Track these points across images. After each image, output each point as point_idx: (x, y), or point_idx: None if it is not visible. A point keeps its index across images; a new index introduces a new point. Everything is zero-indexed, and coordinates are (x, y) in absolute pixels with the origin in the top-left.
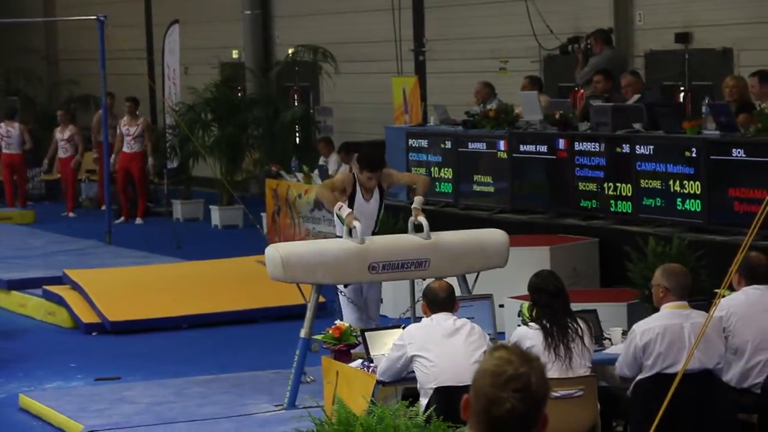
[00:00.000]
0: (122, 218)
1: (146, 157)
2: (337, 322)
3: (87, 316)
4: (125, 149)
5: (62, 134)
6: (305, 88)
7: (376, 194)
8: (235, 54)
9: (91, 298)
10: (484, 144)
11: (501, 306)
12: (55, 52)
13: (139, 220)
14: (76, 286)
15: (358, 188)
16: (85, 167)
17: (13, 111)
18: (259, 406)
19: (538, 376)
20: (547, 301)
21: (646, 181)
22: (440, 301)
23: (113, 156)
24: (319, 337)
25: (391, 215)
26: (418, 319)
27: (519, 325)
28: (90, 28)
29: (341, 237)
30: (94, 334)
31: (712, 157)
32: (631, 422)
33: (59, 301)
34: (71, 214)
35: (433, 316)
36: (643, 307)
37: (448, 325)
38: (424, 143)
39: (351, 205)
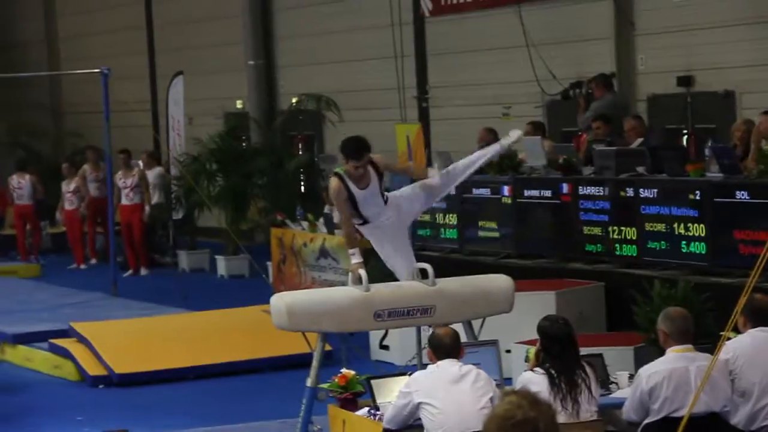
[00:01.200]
0: (130, 271)
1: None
2: (343, 370)
3: (93, 369)
4: (124, 201)
5: (68, 187)
6: (309, 136)
7: (372, 177)
8: (239, 104)
9: (97, 351)
10: (489, 190)
11: (507, 351)
12: (60, 105)
13: (144, 271)
14: (82, 339)
15: (350, 185)
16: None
17: (23, 163)
18: None
19: (547, 421)
20: (559, 352)
21: (651, 224)
22: (446, 348)
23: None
24: (325, 385)
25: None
26: (424, 366)
27: (525, 370)
28: (94, 81)
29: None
30: (100, 386)
31: (716, 199)
32: None
33: (65, 354)
34: (82, 266)
35: (439, 362)
36: (650, 350)
37: (454, 371)
38: None
39: (354, 206)
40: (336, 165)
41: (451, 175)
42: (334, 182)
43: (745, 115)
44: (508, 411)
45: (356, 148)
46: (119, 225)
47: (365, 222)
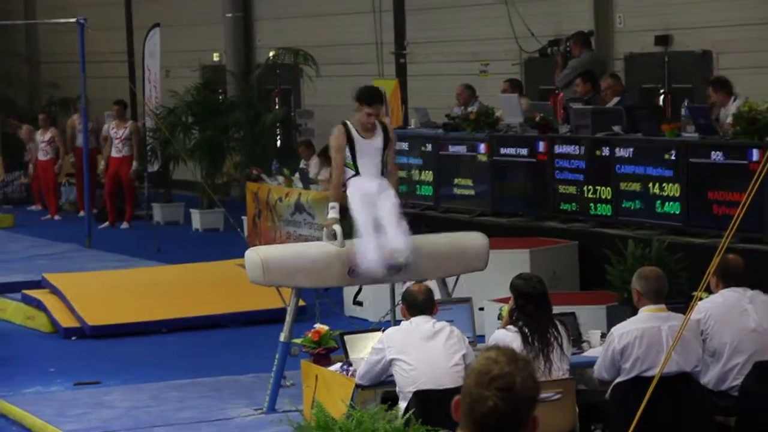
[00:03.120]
0: (107, 223)
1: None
2: (317, 325)
3: (66, 321)
4: (113, 153)
5: (43, 137)
6: (286, 90)
7: (379, 133)
8: (216, 57)
9: (70, 303)
10: (465, 147)
11: (481, 309)
12: (36, 54)
13: (125, 225)
14: (55, 290)
15: (354, 132)
16: (65, 171)
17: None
18: (239, 410)
19: (524, 376)
20: (533, 311)
21: (626, 183)
22: (419, 304)
23: (103, 160)
24: (298, 340)
25: None
26: (397, 323)
27: (498, 328)
28: (71, 31)
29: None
30: (73, 338)
31: (691, 159)
32: (609, 425)
33: (38, 305)
34: (57, 217)
35: (413, 319)
36: (622, 310)
37: (427, 328)
38: (404, 146)
39: (353, 152)
40: (311, 119)
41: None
42: (337, 128)
43: (721, 75)
44: (485, 366)
45: (371, 94)
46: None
47: (356, 174)
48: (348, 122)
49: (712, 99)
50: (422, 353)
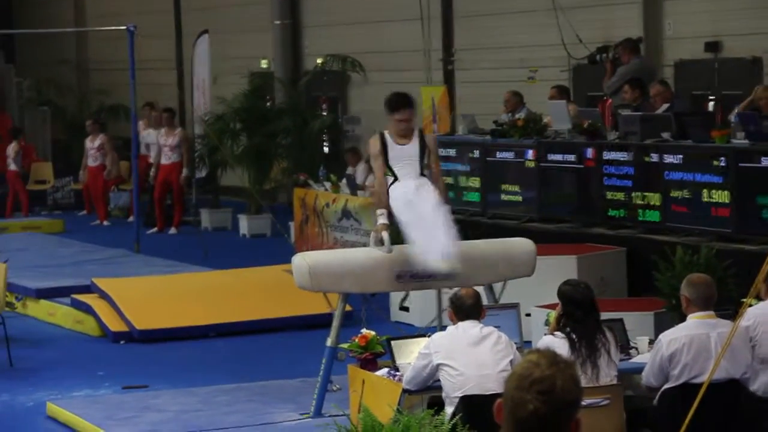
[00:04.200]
0: (155, 228)
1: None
2: (363, 331)
3: (115, 325)
4: (163, 161)
5: (92, 143)
6: (334, 97)
7: (416, 140)
8: (264, 64)
9: (119, 307)
10: (513, 153)
11: (528, 315)
12: (86, 62)
13: (173, 230)
14: (104, 295)
15: (388, 140)
16: (120, 177)
17: (17, 131)
18: (285, 415)
19: (565, 378)
20: (581, 317)
21: (675, 190)
22: (467, 309)
23: (153, 167)
24: (345, 345)
25: None
26: (443, 328)
27: (545, 334)
28: (120, 38)
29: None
30: (121, 342)
31: (740, 165)
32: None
33: (87, 309)
34: (105, 222)
35: (460, 323)
36: (671, 316)
37: (475, 333)
38: (452, 152)
39: (386, 159)
40: (358, 126)
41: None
42: (372, 138)
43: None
44: (526, 369)
45: (396, 101)
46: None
47: (396, 179)
48: (385, 132)
49: (763, 103)
50: (469, 358)
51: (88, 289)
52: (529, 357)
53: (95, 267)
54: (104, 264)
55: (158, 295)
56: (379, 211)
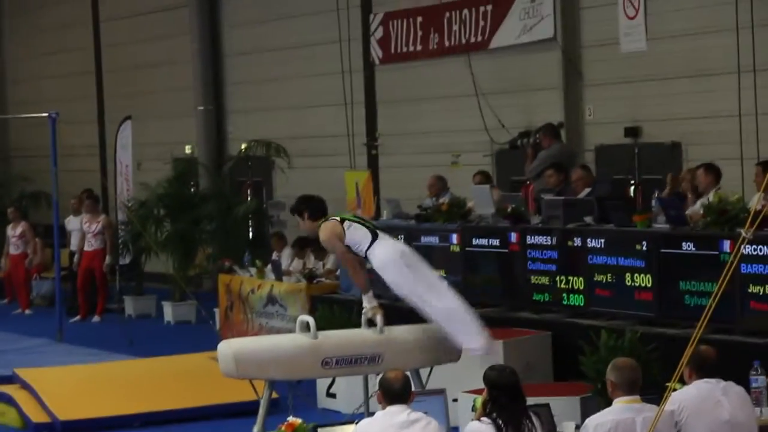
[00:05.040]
0: (78, 317)
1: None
2: (290, 418)
3: (37, 416)
4: (86, 248)
5: (14, 231)
6: (258, 182)
7: None
8: (188, 149)
9: (41, 398)
10: (437, 238)
11: (455, 400)
12: (7, 148)
13: (96, 318)
14: (25, 386)
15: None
16: (42, 264)
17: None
18: None
19: None
20: (507, 402)
21: (598, 274)
22: (395, 392)
23: (76, 254)
24: None
25: (344, 310)
26: (371, 414)
27: (472, 420)
28: (42, 125)
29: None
30: None
31: (662, 250)
32: None
33: (9, 400)
34: (27, 311)
35: (388, 408)
36: (597, 400)
37: (402, 418)
38: None
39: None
40: (283, 211)
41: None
42: (328, 224)
43: (691, 166)
44: None
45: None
46: (65, 270)
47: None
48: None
49: (700, 182)
50: None
51: (10, 379)
52: None
53: (17, 357)
54: (26, 353)
55: (82, 384)
56: (367, 296)
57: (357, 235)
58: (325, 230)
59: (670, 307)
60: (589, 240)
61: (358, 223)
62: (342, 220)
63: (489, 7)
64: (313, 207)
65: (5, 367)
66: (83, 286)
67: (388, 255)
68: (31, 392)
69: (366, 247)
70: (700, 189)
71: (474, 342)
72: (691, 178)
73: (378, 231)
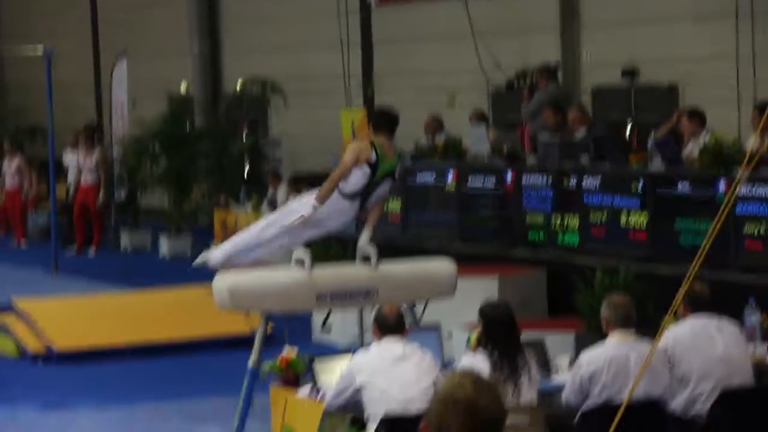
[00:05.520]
0: (74, 250)
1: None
2: (285, 350)
3: (33, 345)
4: (82, 182)
5: (10, 165)
6: (254, 121)
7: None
8: (183, 87)
9: (37, 327)
10: (433, 176)
11: (449, 335)
12: (2, 83)
13: (92, 251)
14: (22, 315)
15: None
16: (38, 198)
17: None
18: None
19: (489, 399)
20: (502, 337)
21: (593, 213)
22: (390, 325)
23: (71, 188)
24: (266, 365)
25: (339, 245)
26: (366, 348)
27: (466, 354)
28: (38, 59)
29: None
30: (39, 362)
31: (657, 190)
32: None
33: (5, 330)
34: (23, 244)
35: (383, 341)
36: (591, 336)
37: (397, 351)
38: None
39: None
40: (279, 148)
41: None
42: (364, 143)
43: (687, 108)
44: (450, 390)
45: (394, 123)
46: (61, 204)
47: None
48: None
49: (684, 129)
50: (392, 377)
51: (7, 309)
52: (453, 378)
53: (13, 288)
54: (22, 285)
55: (77, 315)
56: (315, 204)
57: (353, 180)
58: (359, 147)
59: (665, 246)
60: (584, 180)
61: (369, 179)
62: (376, 158)
63: None
64: (378, 118)
65: (1, 298)
66: (79, 220)
67: (330, 226)
68: (27, 322)
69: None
70: (685, 135)
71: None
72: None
73: (356, 201)
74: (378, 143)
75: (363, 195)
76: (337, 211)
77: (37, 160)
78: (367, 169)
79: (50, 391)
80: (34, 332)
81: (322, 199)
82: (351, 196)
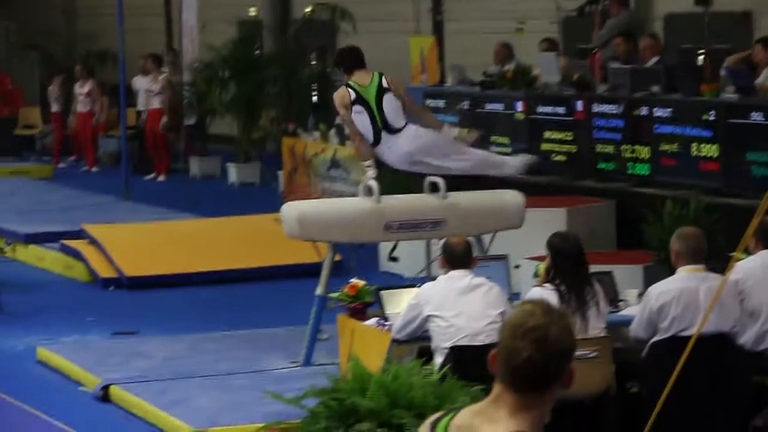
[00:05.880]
0: (152, 174)
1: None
2: (353, 280)
3: (104, 271)
4: (149, 106)
5: (81, 89)
6: (323, 47)
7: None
8: (252, 11)
9: (108, 253)
10: (502, 105)
11: (517, 267)
12: (74, 7)
13: (162, 177)
14: (93, 241)
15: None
16: (109, 123)
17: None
18: (275, 363)
19: (559, 327)
20: (571, 269)
21: (664, 144)
22: (458, 257)
23: (143, 113)
24: (334, 295)
25: (408, 175)
26: (433, 279)
27: (534, 286)
28: None
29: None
30: (111, 288)
31: (729, 120)
32: (645, 384)
33: (77, 255)
34: (94, 168)
35: (450, 273)
36: (659, 269)
37: (465, 283)
38: (441, 103)
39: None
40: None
41: (455, 153)
42: (340, 90)
43: (762, 35)
44: (521, 318)
45: (360, 57)
46: (132, 129)
47: (377, 142)
48: (351, 83)
49: (759, 58)
50: (459, 309)
51: (78, 234)
52: (524, 307)
53: (84, 213)
54: (93, 210)
55: (148, 242)
56: (366, 163)
57: (361, 124)
58: (336, 96)
59: (737, 177)
60: (655, 109)
61: (368, 113)
62: (356, 93)
63: None
64: (341, 60)
65: (73, 223)
66: (152, 145)
67: (393, 160)
68: (99, 247)
69: (370, 142)
70: (761, 63)
71: (512, 162)
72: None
73: (382, 134)
74: (352, 81)
75: (384, 123)
76: (392, 152)
77: (108, 85)
78: (358, 107)
79: (121, 317)
80: (105, 258)
81: (364, 158)
82: (377, 135)
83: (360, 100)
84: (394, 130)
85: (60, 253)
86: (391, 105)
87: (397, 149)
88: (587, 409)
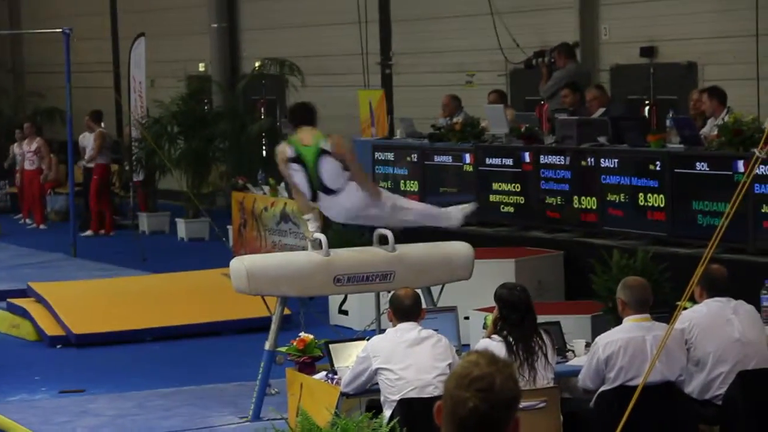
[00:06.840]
0: (89, 231)
1: (108, 169)
2: (302, 334)
3: (51, 329)
4: (89, 164)
5: (29, 146)
6: (272, 100)
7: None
8: (201, 67)
9: (55, 311)
10: (450, 157)
11: (466, 318)
12: (21, 64)
13: (102, 233)
14: (40, 299)
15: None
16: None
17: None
18: (224, 419)
19: (504, 376)
20: (518, 321)
21: (611, 194)
22: (406, 310)
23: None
24: (283, 349)
25: (356, 227)
26: (382, 332)
27: (483, 337)
28: (56, 41)
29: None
30: (58, 346)
31: (676, 170)
32: None
33: (23, 313)
34: (42, 226)
35: (399, 325)
36: (607, 319)
37: (413, 335)
38: (390, 156)
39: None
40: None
41: (395, 208)
42: (280, 145)
43: (706, 86)
44: (466, 368)
45: (310, 114)
46: (79, 186)
47: (314, 200)
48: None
49: (705, 107)
50: (408, 361)
51: (24, 293)
52: (469, 357)
53: (31, 271)
54: (41, 268)
55: (95, 299)
56: (306, 217)
57: (299, 181)
58: (277, 150)
59: (683, 226)
60: (602, 160)
61: (306, 172)
62: (296, 151)
63: None
64: (291, 116)
65: (20, 281)
66: (92, 201)
67: (334, 215)
68: (46, 305)
69: (309, 197)
70: (707, 113)
71: (453, 213)
72: (699, 99)
73: (319, 194)
74: (294, 138)
75: (320, 184)
76: (332, 209)
77: (56, 142)
78: (296, 165)
79: (69, 375)
80: (52, 316)
81: (304, 212)
82: (314, 194)
83: (298, 159)
84: (331, 192)
85: (6, 312)
86: (329, 167)
87: (337, 206)
88: None
